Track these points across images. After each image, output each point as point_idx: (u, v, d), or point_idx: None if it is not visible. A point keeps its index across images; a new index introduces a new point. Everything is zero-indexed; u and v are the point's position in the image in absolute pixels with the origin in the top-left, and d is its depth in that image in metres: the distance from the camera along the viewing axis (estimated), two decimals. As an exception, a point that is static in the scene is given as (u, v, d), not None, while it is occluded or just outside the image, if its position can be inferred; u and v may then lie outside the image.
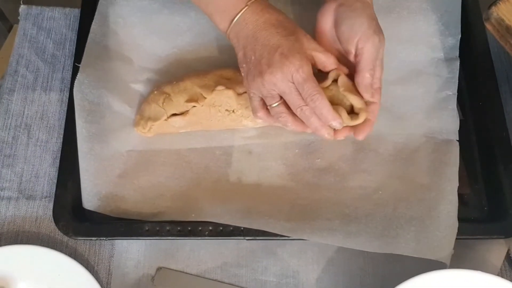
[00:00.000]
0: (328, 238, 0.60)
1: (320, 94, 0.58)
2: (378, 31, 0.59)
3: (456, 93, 0.69)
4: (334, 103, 0.60)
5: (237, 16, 0.59)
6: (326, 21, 0.62)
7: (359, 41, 0.59)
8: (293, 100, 0.58)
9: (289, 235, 0.61)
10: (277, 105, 0.60)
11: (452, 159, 0.65)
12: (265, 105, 0.61)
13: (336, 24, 0.61)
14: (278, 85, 0.58)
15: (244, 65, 0.61)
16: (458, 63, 0.70)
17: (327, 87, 0.61)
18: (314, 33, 0.63)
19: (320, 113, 0.58)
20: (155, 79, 0.70)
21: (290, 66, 0.57)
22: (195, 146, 0.67)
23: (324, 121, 0.59)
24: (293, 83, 0.57)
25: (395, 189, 0.65)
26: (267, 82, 0.58)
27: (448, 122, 0.68)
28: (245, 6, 0.59)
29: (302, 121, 0.60)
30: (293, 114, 0.60)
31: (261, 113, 0.62)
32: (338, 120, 0.59)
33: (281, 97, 0.59)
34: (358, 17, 0.59)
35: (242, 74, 0.62)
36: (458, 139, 0.67)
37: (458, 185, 0.63)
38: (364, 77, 0.59)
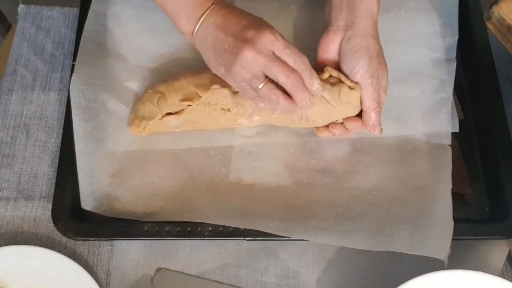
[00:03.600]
0: (323, 238, 0.60)
1: (305, 57, 0.59)
2: (378, 70, 0.61)
3: (452, 96, 0.69)
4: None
5: (205, 14, 0.60)
6: (331, 50, 0.64)
7: (359, 83, 0.61)
8: (278, 68, 0.58)
9: (283, 235, 0.60)
10: (263, 84, 0.59)
11: (445, 163, 0.65)
12: None
13: (340, 60, 0.63)
14: (259, 58, 0.57)
15: (219, 60, 0.60)
16: (455, 64, 0.70)
17: (325, 80, 0.63)
18: (316, 55, 0.65)
19: (308, 77, 0.59)
20: (150, 78, 0.69)
21: (268, 34, 0.57)
22: (189, 145, 0.67)
23: (310, 85, 0.59)
24: (274, 53, 0.58)
25: (389, 190, 0.65)
26: (248, 59, 0.57)
27: (442, 127, 0.68)
28: (212, 3, 0.61)
29: (291, 97, 0.60)
30: (282, 89, 0.60)
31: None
32: (319, 81, 0.60)
33: (265, 77, 0.59)
34: (359, 59, 0.61)
35: (221, 71, 0.61)
36: (450, 143, 0.67)
37: (451, 187, 0.63)
38: (370, 117, 0.63)
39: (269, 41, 0.57)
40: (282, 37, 0.58)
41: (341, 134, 0.65)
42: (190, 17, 0.61)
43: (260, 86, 0.59)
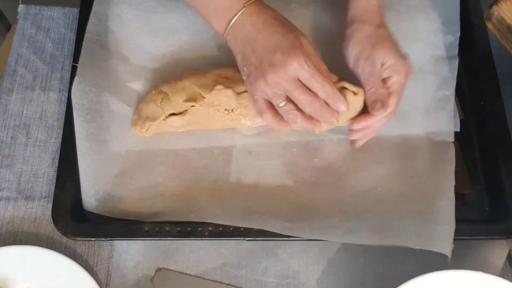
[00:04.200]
0: (328, 236, 0.60)
1: (330, 84, 0.59)
2: (370, 51, 0.61)
3: (454, 93, 0.69)
4: None
5: (235, 18, 0.60)
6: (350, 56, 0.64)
7: (389, 73, 0.61)
8: (301, 97, 0.59)
9: (288, 234, 0.60)
10: (285, 103, 0.60)
11: (448, 160, 0.65)
12: (271, 107, 0.62)
13: (358, 57, 0.63)
14: (282, 84, 0.58)
15: (244, 68, 0.61)
16: (457, 61, 0.70)
17: None
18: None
19: (332, 101, 0.59)
20: (153, 78, 0.69)
21: (294, 63, 0.57)
22: (193, 145, 0.67)
23: (336, 107, 0.60)
24: (299, 80, 0.58)
25: (393, 186, 0.65)
26: (271, 83, 0.58)
27: (445, 124, 0.68)
28: (243, 7, 0.59)
29: (310, 117, 0.61)
30: (301, 110, 0.60)
31: (268, 115, 0.62)
32: (346, 103, 0.60)
33: (287, 96, 0.59)
34: (352, 49, 0.62)
35: (243, 77, 0.62)
36: (453, 141, 0.67)
37: (454, 183, 0.63)
38: (368, 98, 0.62)
39: (294, 70, 0.57)
40: (309, 63, 0.58)
41: (370, 134, 0.66)
42: (220, 18, 0.61)
43: (281, 105, 0.60)
